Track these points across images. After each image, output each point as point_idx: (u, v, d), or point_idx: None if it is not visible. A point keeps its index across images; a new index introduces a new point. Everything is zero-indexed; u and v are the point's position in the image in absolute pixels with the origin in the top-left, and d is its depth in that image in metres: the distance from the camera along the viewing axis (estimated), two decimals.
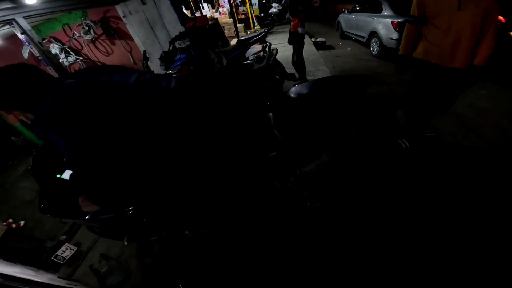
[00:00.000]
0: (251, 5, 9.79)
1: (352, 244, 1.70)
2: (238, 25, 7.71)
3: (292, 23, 4.18)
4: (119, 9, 4.39)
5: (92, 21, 4.27)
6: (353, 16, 6.43)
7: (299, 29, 4.07)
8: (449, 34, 1.81)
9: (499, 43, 1.87)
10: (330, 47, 6.71)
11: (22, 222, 2.49)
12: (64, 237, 2.22)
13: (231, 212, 1.61)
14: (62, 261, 2.02)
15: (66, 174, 1.39)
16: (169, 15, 4.61)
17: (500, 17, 3.73)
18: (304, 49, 4.35)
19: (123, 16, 4.43)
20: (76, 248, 2.12)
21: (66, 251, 2.08)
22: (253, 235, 1.87)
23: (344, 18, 7.04)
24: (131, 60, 4.82)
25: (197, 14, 7.07)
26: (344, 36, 7.27)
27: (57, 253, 2.05)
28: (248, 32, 7.77)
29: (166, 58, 3.76)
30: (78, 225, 2.34)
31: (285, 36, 4.19)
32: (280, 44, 7.04)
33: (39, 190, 1.41)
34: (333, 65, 5.31)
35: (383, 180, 2.06)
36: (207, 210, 1.40)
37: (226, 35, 7.40)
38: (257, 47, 4.74)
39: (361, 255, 1.64)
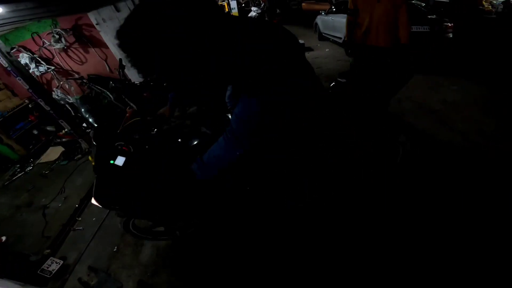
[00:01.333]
0: (230, 9, 9.89)
1: (343, 244, 1.75)
2: None
3: None
4: (92, 17, 4.33)
5: (63, 29, 4.18)
6: (330, 17, 6.66)
7: None
8: (373, 20, 2.48)
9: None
10: (309, 49, 6.90)
11: (3, 238, 2.41)
12: (48, 251, 2.17)
13: (226, 210, 1.67)
14: (49, 275, 1.97)
15: (119, 160, 1.34)
16: None
17: None
18: None
19: (96, 24, 4.37)
20: (62, 261, 2.07)
21: (52, 265, 2.04)
22: (242, 235, 1.92)
23: (321, 20, 7.27)
24: (107, 69, 4.74)
25: None
26: (322, 37, 7.50)
27: (42, 267, 2.01)
28: None
29: None
30: (62, 239, 2.29)
31: None
32: None
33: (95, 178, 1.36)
34: (312, 66, 5.46)
35: (382, 180, 2.10)
36: (205, 207, 1.50)
37: None
38: None
39: (350, 255, 1.69)
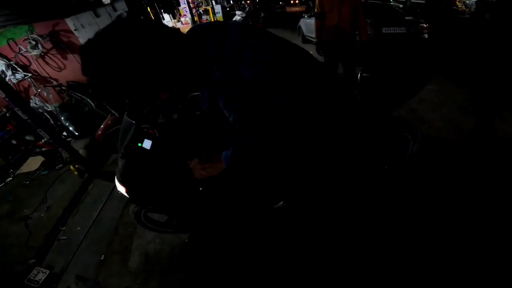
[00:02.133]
0: (214, 13, 9.97)
1: (342, 244, 1.77)
2: None
3: None
4: (70, 23, 4.28)
5: (39, 35, 4.10)
6: (312, 20, 6.82)
7: None
8: (338, 20, 2.85)
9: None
10: None
11: None
12: (33, 260, 2.13)
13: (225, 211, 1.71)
14: (37, 285, 1.94)
15: (146, 144, 1.36)
16: None
17: None
18: None
19: (75, 30, 4.32)
20: (48, 271, 2.03)
21: (38, 275, 2.00)
22: (240, 238, 1.93)
23: (305, 23, 7.43)
24: None
25: None
26: (306, 40, 7.66)
27: (29, 276, 1.97)
28: None
29: None
30: (47, 249, 2.26)
31: None
32: None
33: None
34: None
35: (382, 180, 2.09)
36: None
37: None
38: None
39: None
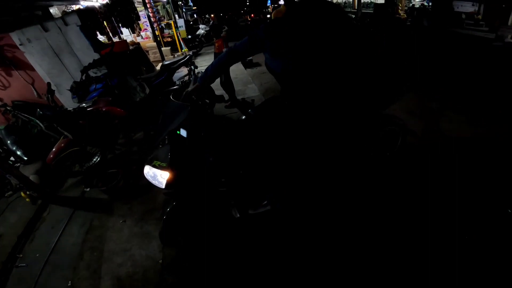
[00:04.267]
0: (177, 27, 9.99)
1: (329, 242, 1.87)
2: (164, 48, 7.75)
3: (216, 44, 4.39)
4: (15, 37, 4.01)
5: None
6: None
7: (225, 50, 4.33)
8: None
9: None
10: (257, 64, 7.31)
11: None
12: None
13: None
14: None
15: (183, 132, 1.53)
16: (79, 42, 4.37)
17: None
18: (232, 68, 4.64)
19: (20, 44, 4.05)
20: None
21: None
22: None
23: None
24: (35, 94, 4.37)
25: (116, 39, 6.85)
26: None
27: None
28: (176, 55, 7.87)
29: (78, 89, 3.53)
30: (5, 277, 2.10)
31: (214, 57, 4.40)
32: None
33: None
34: (260, 82, 5.80)
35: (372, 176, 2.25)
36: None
37: (152, 59, 7.35)
38: (185, 71, 4.77)
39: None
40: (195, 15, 23.43)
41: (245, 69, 6.87)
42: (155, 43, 7.51)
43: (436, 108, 3.54)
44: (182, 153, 1.55)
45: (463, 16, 11.56)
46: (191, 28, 12.71)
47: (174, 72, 4.44)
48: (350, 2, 17.80)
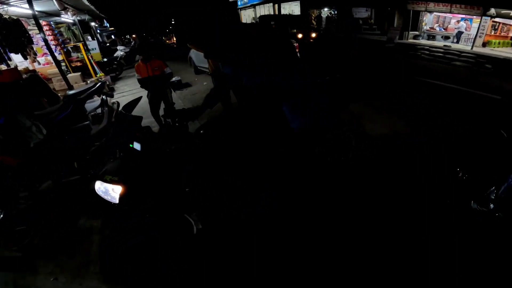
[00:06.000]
0: (88, 50, 8.85)
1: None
2: (71, 75, 6.66)
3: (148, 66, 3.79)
4: None
5: None
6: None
7: (166, 69, 3.84)
8: None
9: None
10: (187, 85, 6.94)
11: None
12: None
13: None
14: None
15: (137, 145, 1.57)
16: None
17: None
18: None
19: None
20: None
21: None
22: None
23: (195, 53, 7.49)
24: None
25: (3, 67, 5.57)
26: (198, 71, 7.75)
27: None
28: (89, 82, 6.86)
29: None
30: None
31: (136, 81, 3.86)
32: (133, 91, 6.62)
33: None
34: (192, 103, 5.44)
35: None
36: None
37: (57, 88, 6.22)
38: (99, 100, 4.02)
39: None
40: (112, 36, 21.59)
41: (174, 91, 6.41)
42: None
43: (358, 110, 3.79)
44: (136, 166, 1.56)
45: (360, 21, 13.54)
46: (108, 50, 11.51)
47: (83, 103, 3.73)
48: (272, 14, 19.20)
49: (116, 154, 1.71)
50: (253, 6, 20.83)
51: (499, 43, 8.73)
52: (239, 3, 21.50)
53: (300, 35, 9.23)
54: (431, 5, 9.44)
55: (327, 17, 15.14)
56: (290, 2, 15.65)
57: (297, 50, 5.90)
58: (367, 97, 4.21)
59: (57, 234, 2.38)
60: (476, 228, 1.77)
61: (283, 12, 15.05)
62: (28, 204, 2.79)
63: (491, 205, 1.68)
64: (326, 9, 14.98)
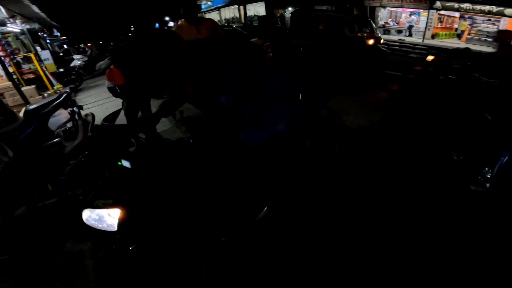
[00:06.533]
0: (40, 60, 8.11)
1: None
2: (25, 88, 6.05)
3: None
4: None
5: None
6: None
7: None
8: None
9: None
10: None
11: None
12: None
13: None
14: None
15: (126, 163, 1.42)
16: None
17: None
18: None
19: None
20: None
21: None
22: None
23: None
24: None
25: None
26: None
27: None
28: (46, 95, 6.29)
29: None
30: None
31: (101, 91, 3.59)
32: (99, 101, 6.19)
33: None
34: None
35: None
36: None
37: (11, 105, 5.61)
38: (65, 114, 3.67)
39: None
40: (65, 46, 20.01)
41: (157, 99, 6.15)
42: (10, 82, 5.76)
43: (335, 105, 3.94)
44: (129, 186, 1.39)
45: None
46: (62, 60, 10.64)
47: (48, 117, 3.38)
48: (237, 17, 19.26)
49: (105, 174, 1.55)
50: (218, 8, 20.74)
51: (445, 34, 9.69)
52: (203, 6, 21.25)
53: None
54: (385, 0, 10.19)
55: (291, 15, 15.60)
56: (254, 4, 15.84)
57: (269, 50, 6.03)
58: (343, 91, 4.40)
59: (41, 260, 2.14)
60: (476, 228, 1.78)
61: (248, 14, 15.21)
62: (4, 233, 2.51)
63: (487, 185, 1.77)
64: (290, 8, 15.40)
